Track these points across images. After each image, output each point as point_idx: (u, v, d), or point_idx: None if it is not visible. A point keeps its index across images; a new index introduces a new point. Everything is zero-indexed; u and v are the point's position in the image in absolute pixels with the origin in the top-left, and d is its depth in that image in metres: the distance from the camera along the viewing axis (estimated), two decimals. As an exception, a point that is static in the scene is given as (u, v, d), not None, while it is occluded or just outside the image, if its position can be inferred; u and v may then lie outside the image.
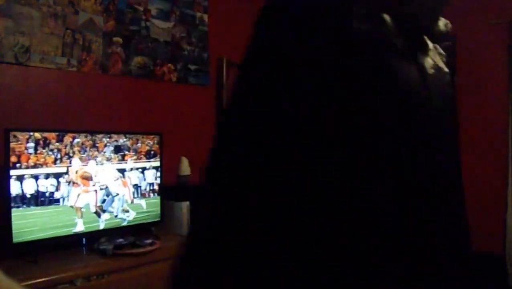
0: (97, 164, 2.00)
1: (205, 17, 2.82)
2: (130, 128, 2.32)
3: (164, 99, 2.58)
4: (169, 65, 2.61)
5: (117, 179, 2.10)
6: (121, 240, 1.92)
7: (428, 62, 0.59)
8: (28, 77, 2.02)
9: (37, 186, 1.79)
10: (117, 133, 2.12)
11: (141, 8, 2.47)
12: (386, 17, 0.53)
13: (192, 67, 2.74)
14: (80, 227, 1.93)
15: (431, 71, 0.58)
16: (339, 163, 0.48)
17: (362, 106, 0.49)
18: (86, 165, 1.97)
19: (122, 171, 2.12)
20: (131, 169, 2.17)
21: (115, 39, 2.34)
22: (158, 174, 2.28)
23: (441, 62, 0.63)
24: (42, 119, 2.04)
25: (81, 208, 1.94)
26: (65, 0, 2.13)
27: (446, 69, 0.64)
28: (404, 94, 0.52)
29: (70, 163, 1.91)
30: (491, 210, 2.93)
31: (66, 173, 1.89)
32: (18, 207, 1.74)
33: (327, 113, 0.48)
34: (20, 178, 1.75)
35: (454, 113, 0.63)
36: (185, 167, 2.46)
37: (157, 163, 2.28)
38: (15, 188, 1.73)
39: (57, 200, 1.86)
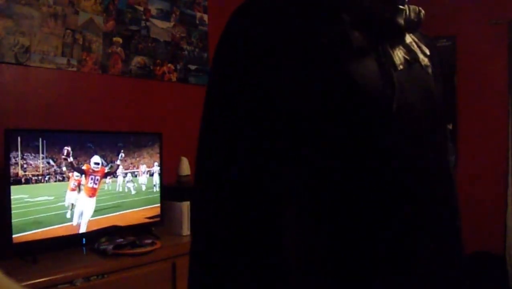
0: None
1: (205, 17, 2.82)
2: (130, 128, 2.32)
3: (164, 99, 2.58)
4: (169, 65, 2.61)
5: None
6: (121, 240, 1.92)
7: (398, 57, 0.56)
8: (28, 77, 2.02)
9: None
10: (117, 133, 2.12)
11: (141, 8, 2.47)
12: (345, 16, 0.52)
13: (192, 67, 2.74)
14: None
15: (400, 66, 0.55)
16: (308, 164, 0.53)
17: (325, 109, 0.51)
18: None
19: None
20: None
21: (115, 39, 2.34)
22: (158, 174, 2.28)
23: (421, 55, 0.60)
24: (42, 119, 2.04)
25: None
26: (65, 0, 2.13)
27: (426, 62, 0.60)
28: (362, 96, 0.51)
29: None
30: (491, 210, 2.93)
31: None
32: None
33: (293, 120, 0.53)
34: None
35: (434, 107, 0.60)
36: (185, 167, 2.46)
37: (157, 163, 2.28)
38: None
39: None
